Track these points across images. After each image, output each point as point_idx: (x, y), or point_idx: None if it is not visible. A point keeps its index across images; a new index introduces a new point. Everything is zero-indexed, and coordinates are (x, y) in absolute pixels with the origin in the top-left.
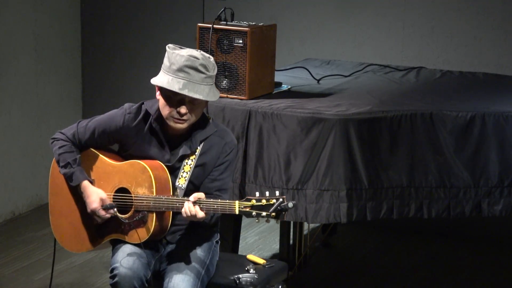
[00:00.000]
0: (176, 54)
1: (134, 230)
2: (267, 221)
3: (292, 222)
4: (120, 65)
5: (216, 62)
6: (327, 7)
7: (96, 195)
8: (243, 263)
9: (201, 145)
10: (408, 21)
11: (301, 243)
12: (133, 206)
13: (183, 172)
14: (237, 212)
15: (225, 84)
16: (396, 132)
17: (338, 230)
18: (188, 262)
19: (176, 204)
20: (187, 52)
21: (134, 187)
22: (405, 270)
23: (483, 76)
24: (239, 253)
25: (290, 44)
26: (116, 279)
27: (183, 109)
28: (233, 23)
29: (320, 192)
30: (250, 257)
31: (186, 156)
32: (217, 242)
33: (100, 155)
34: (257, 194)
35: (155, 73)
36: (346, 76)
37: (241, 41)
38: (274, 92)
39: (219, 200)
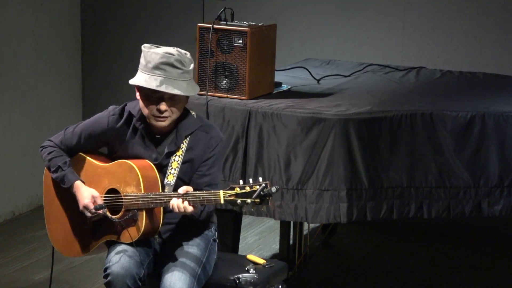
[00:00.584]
0: (152, 52)
1: (125, 229)
2: (253, 208)
3: (292, 222)
4: (120, 65)
5: (216, 62)
6: (327, 7)
7: (88, 193)
8: (243, 263)
9: (187, 140)
10: (408, 21)
11: (301, 243)
12: (123, 206)
13: (171, 169)
14: (222, 202)
15: (225, 84)
16: (396, 132)
17: (338, 230)
18: (184, 260)
19: (163, 200)
20: (162, 49)
21: (123, 186)
22: (405, 270)
23: (483, 76)
24: (239, 253)
25: (290, 44)
26: (109, 278)
27: (163, 106)
28: (233, 23)
29: (320, 192)
30: (250, 257)
31: (172, 153)
32: (214, 240)
33: (89, 158)
34: (241, 182)
35: None
36: (346, 76)
37: (241, 41)
38: (274, 92)
39: (204, 192)
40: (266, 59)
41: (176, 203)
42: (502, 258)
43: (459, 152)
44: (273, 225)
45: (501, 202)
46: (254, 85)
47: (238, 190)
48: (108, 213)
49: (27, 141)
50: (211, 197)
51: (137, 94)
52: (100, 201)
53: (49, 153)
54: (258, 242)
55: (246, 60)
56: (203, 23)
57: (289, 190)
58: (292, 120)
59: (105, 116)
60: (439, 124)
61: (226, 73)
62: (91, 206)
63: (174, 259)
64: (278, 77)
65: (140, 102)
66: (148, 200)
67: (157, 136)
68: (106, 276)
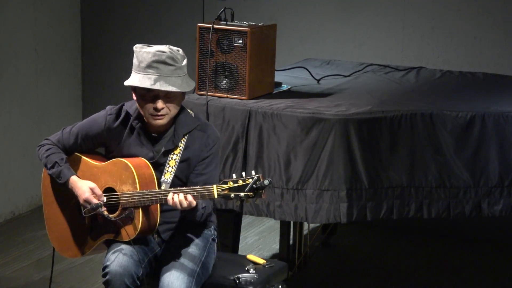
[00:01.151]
0: (143, 52)
1: (123, 228)
2: (247, 201)
3: (292, 222)
4: (120, 65)
5: (216, 62)
6: (327, 7)
7: (85, 186)
8: (243, 263)
9: (185, 139)
10: (408, 21)
11: (301, 243)
12: (120, 204)
13: (168, 167)
14: (216, 196)
15: (225, 84)
16: (396, 132)
17: (338, 230)
18: (182, 260)
19: (159, 197)
20: (154, 48)
21: (119, 185)
22: (405, 270)
23: (483, 76)
24: (239, 253)
25: (290, 44)
26: (107, 277)
27: (159, 104)
28: (233, 23)
29: (320, 192)
30: (250, 257)
31: (169, 152)
32: (213, 239)
33: (84, 158)
34: (234, 176)
35: None
36: (346, 76)
37: (241, 41)
38: (274, 92)
39: (198, 187)
40: (266, 59)
41: (172, 197)
42: (502, 258)
43: (459, 152)
44: (273, 225)
45: (501, 202)
46: (254, 85)
47: (231, 184)
48: (105, 212)
49: (27, 141)
50: (205, 192)
51: (133, 94)
52: (98, 192)
53: (46, 150)
54: (258, 242)
55: (246, 60)
56: (203, 23)
57: (289, 190)
58: (292, 120)
59: (102, 116)
60: (439, 124)
61: (226, 73)
62: (92, 199)
63: (173, 258)
64: (278, 77)
65: (137, 102)
66: (143, 198)
67: (154, 135)
68: (104, 275)
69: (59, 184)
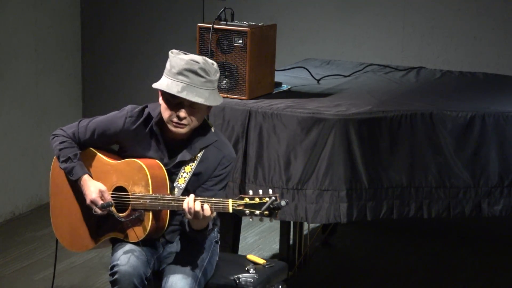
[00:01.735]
0: (177, 58)
1: (131, 228)
2: (261, 220)
3: (292, 222)
4: (120, 65)
5: (216, 62)
6: (327, 7)
7: (95, 187)
8: (243, 263)
9: (201, 153)
10: (408, 21)
11: (301, 243)
12: (130, 205)
13: (183, 173)
14: (230, 211)
15: (225, 84)
16: (396, 132)
17: (338, 230)
18: (186, 261)
19: (171, 203)
20: (188, 56)
21: (131, 185)
22: (405, 270)
23: (483, 76)
24: (239, 253)
25: (290, 44)
26: (116, 276)
27: (182, 113)
28: (233, 23)
29: (320, 192)
30: (250, 257)
31: (184, 163)
32: (216, 242)
33: (99, 154)
34: (251, 192)
35: (155, 73)
36: (346, 76)
37: (241, 41)
38: (274, 92)
39: (213, 198)
40: (266, 59)
41: (187, 204)
42: (502, 258)
43: (459, 152)
44: (273, 225)
45: (501, 202)
46: (254, 85)
47: (247, 200)
48: (114, 211)
49: (27, 141)
50: (220, 205)
51: (160, 98)
52: (107, 196)
53: (60, 142)
54: (258, 242)
55: (246, 60)
56: (203, 23)
57: (289, 190)
58: (292, 120)
59: (121, 116)
60: (439, 124)
61: (226, 73)
62: (99, 201)
63: (177, 259)
64: (278, 77)
65: (162, 106)
66: (156, 202)
67: (172, 143)
68: (113, 274)
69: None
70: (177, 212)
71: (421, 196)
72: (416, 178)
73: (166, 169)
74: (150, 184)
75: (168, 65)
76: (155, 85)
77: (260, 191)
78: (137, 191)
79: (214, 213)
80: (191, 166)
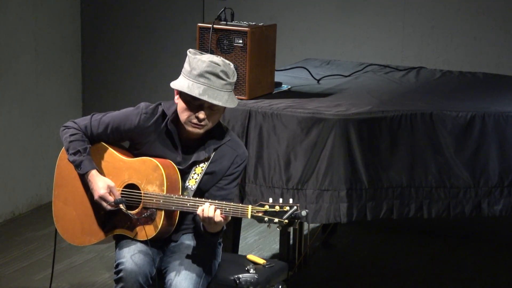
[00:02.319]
0: (198, 60)
1: (141, 226)
2: (279, 227)
3: None
4: (120, 65)
5: None
6: (327, 7)
7: (104, 183)
8: (243, 263)
9: (213, 152)
10: (408, 21)
11: (301, 243)
12: (141, 203)
13: (194, 174)
14: (249, 217)
15: None
16: (396, 132)
17: (338, 230)
18: (190, 261)
19: (186, 204)
20: (208, 57)
21: (144, 184)
22: (405, 270)
23: (483, 76)
24: (239, 253)
25: (290, 44)
26: (121, 274)
27: (201, 115)
28: (233, 23)
29: (320, 192)
30: (250, 257)
31: (197, 162)
32: (219, 243)
33: (111, 149)
34: (270, 200)
35: (155, 72)
36: (346, 76)
37: (241, 41)
38: (274, 92)
39: (232, 203)
40: (266, 59)
41: (208, 209)
42: (502, 258)
43: (459, 152)
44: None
45: (501, 202)
46: (254, 85)
47: (267, 208)
48: (124, 209)
49: (27, 141)
50: (239, 210)
51: (176, 97)
52: (116, 192)
53: (71, 135)
54: (258, 242)
55: (246, 60)
56: (203, 23)
57: (289, 190)
58: (292, 120)
59: (136, 113)
60: (439, 124)
61: None
62: (108, 197)
63: (180, 258)
64: (278, 77)
65: (179, 107)
66: (170, 202)
67: (186, 142)
68: (118, 272)
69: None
70: (185, 213)
71: (421, 196)
72: (416, 178)
73: (180, 169)
74: (165, 184)
75: (187, 66)
76: (174, 86)
77: (280, 200)
78: (151, 190)
79: (229, 218)
80: (202, 167)
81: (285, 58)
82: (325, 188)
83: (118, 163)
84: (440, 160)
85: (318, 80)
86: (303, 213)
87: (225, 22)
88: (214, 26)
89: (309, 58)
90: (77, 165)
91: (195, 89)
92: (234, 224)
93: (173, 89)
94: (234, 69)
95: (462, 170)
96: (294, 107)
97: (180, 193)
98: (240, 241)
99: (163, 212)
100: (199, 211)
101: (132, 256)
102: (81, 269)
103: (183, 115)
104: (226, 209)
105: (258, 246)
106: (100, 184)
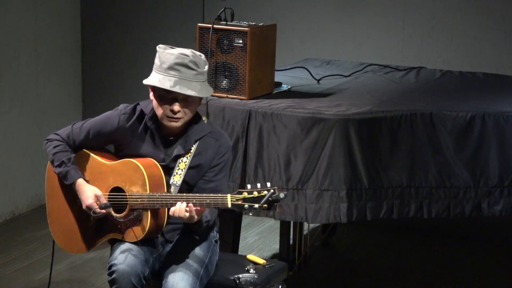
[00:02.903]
0: (167, 53)
1: (130, 228)
2: (260, 214)
3: (292, 222)
4: (120, 65)
5: (216, 62)
6: (327, 7)
7: (91, 192)
8: (243, 263)
9: (196, 145)
10: (408, 21)
11: (301, 243)
12: (128, 205)
13: (177, 169)
14: (229, 206)
15: (225, 84)
16: (396, 132)
17: (338, 230)
18: (187, 261)
19: (169, 201)
20: (177, 50)
21: (128, 185)
22: (405, 270)
23: (483, 76)
24: (239, 253)
25: (290, 44)
26: (114, 275)
27: (176, 107)
28: (233, 23)
29: (320, 192)
30: (250, 257)
31: (180, 156)
32: (216, 241)
33: (94, 155)
34: (249, 186)
35: None
36: (346, 76)
37: (241, 41)
38: (274, 92)
39: (211, 194)
40: (266, 59)
41: (179, 209)
42: (502, 258)
43: (459, 152)
44: (273, 225)
45: (501, 202)
46: (254, 85)
47: (246, 194)
48: (112, 212)
49: (27, 141)
50: (218, 201)
51: (151, 94)
52: (103, 200)
53: (54, 147)
54: (258, 242)
55: (246, 60)
56: (203, 23)
57: (289, 190)
58: (292, 120)
59: (115, 115)
60: (439, 124)
61: (226, 73)
62: (95, 206)
63: (177, 259)
64: (278, 77)
65: (154, 102)
66: (153, 201)
67: (167, 138)
68: (111, 274)
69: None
70: None
71: (421, 196)
72: (416, 178)
73: (164, 165)
74: (147, 183)
75: (157, 61)
76: (146, 82)
77: (258, 185)
78: (135, 190)
79: (204, 211)
80: (185, 162)
81: (285, 58)
82: (325, 188)
83: (102, 168)
84: (440, 160)
85: (318, 80)
86: (281, 195)
87: (225, 22)
88: (214, 26)
89: (309, 58)
90: (63, 176)
91: (166, 82)
92: (234, 224)
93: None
94: (205, 59)
95: (462, 170)
96: (294, 107)
97: (166, 190)
98: (240, 241)
99: (149, 212)
100: (170, 212)
101: (123, 257)
102: (81, 269)
103: (159, 111)
104: (206, 201)
105: (258, 246)
106: (88, 193)
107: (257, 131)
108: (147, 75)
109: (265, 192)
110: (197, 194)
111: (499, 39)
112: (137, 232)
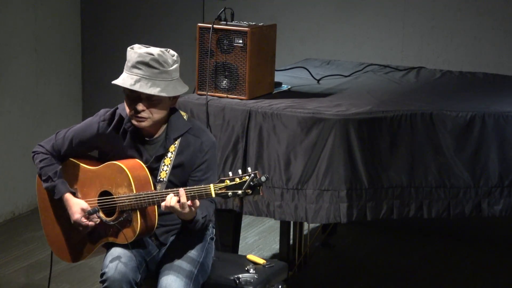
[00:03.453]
0: (132, 52)
1: (121, 231)
2: (246, 199)
3: (292, 222)
4: (120, 65)
5: (216, 62)
6: (327, 7)
7: (77, 206)
8: (243, 263)
9: (177, 143)
10: (408, 21)
11: (301, 243)
12: (117, 207)
13: (163, 166)
14: (213, 195)
15: (225, 84)
16: (396, 132)
17: (338, 230)
18: (180, 262)
19: (156, 198)
20: (143, 50)
21: (115, 188)
22: (405, 270)
23: (483, 76)
24: (239, 253)
25: (290, 44)
26: (106, 283)
27: (139, 106)
28: (233, 23)
29: (320, 192)
30: (250, 257)
31: (162, 156)
32: (211, 238)
33: (79, 163)
34: (230, 174)
35: None
36: (346, 76)
37: (241, 41)
38: (274, 92)
39: (195, 187)
40: (266, 59)
41: (169, 201)
42: (502, 258)
43: (459, 152)
44: (273, 225)
45: (501, 202)
46: (254, 85)
47: (228, 182)
48: (102, 216)
49: (27, 141)
50: (202, 192)
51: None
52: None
53: (40, 161)
54: (258, 242)
55: (246, 60)
56: (203, 23)
57: (289, 190)
58: (292, 120)
59: (95, 121)
60: (439, 124)
61: (226, 73)
62: (83, 221)
63: (171, 261)
64: (278, 77)
65: (125, 104)
66: (140, 200)
67: (146, 138)
68: (103, 282)
69: None
70: (167, 212)
71: (421, 196)
72: (416, 178)
73: (147, 166)
74: (133, 183)
75: (127, 60)
76: (113, 81)
77: (239, 171)
78: (121, 192)
79: (197, 204)
80: (170, 158)
81: (285, 58)
82: (325, 188)
83: (88, 174)
84: (440, 160)
85: (318, 80)
86: (263, 178)
87: (225, 22)
88: (214, 26)
89: (309, 58)
90: (51, 191)
91: (127, 81)
92: (234, 224)
93: None
94: (177, 58)
95: (462, 170)
96: (294, 107)
97: (153, 189)
98: (240, 241)
99: (138, 212)
100: (162, 207)
101: (114, 265)
102: (80, 269)
103: (128, 111)
104: (190, 193)
105: (258, 246)
106: (74, 208)
107: (257, 131)
108: None
109: (247, 177)
110: (181, 188)
111: (499, 39)
112: (128, 234)
